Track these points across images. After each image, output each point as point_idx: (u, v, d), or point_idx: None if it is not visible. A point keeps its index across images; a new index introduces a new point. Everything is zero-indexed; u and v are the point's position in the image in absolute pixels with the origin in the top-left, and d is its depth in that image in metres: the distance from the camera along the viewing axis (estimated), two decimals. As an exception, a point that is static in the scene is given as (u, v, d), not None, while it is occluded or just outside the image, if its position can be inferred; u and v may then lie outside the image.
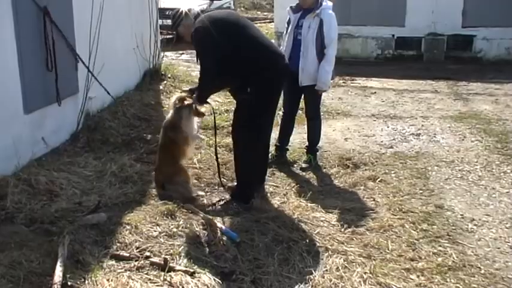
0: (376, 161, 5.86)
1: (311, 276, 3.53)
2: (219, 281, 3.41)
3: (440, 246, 3.97)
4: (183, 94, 4.87)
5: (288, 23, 5.55)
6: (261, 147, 4.89)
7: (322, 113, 7.87)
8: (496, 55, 13.32)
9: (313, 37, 5.31)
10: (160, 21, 9.59)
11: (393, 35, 13.90)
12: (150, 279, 3.32)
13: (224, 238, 3.93)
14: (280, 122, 5.88)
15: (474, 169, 5.64)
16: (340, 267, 3.63)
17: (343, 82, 10.54)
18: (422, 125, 7.42)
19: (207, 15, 4.56)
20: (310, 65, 5.41)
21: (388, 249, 3.89)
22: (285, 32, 5.64)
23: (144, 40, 8.49)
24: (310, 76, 5.44)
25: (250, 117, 4.57)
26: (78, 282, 3.24)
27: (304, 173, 5.58)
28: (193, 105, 4.69)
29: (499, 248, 3.97)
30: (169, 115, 4.81)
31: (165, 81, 8.88)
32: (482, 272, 3.61)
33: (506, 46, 13.31)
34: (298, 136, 5.99)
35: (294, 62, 5.36)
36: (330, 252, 3.85)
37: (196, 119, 4.90)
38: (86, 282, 3.25)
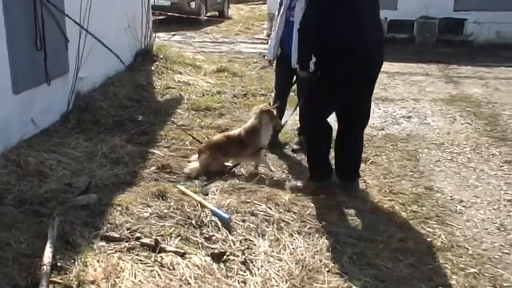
0: (367, 143, 5.85)
1: (302, 257, 3.54)
2: (210, 262, 3.41)
3: (429, 227, 3.99)
4: (266, 106, 5.10)
5: (280, 4, 5.51)
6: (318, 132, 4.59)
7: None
8: (486, 39, 13.35)
9: None
10: (152, 1, 9.51)
11: (386, 18, 13.84)
12: (140, 260, 3.32)
13: (215, 219, 3.93)
14: (273, 99, 5.89)
15: (463, 151, 5.67)
16: (330, 248, 3.64)
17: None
18: (414, 108, 7.44)
19: None
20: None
21: (378, 231, 3.91)
22: (276, 13, 5.60)
23: (135, 20, 8.42)
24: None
25: (308, 99, 4.46)
26: (68, 263, 3.23)
27: (295, 155, 5.59)
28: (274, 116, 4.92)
29: (486, 229, 4.00)
30: (249, 121, 5.02)
31: (156, 62, 8.84)
32: (470, 252, 3.64)
33: (497, 30, 13.33)
34: (290, 118, 5.95)
35: (286, 43, 5.35)
36: (320, 233, 3.85)
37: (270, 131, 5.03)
38: (76, 263, 3.24)
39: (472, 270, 3.42)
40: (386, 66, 10.33)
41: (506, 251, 3.69)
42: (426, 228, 3.98)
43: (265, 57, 6.16)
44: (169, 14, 15.28)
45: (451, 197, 4.58)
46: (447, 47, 12.85)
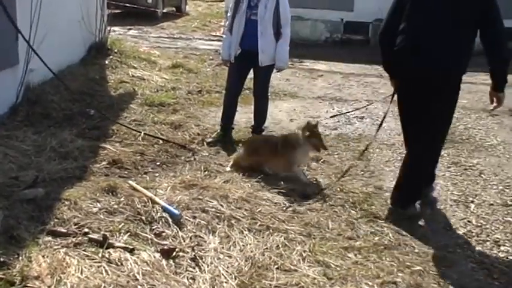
0: (320, 142, 5.93)
1: (251, 254, 3.54)
2: (159, 258, 3.38)
3: (377, 225, 4.07)
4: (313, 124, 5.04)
5: (237, 3, 5.47)
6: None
7: (269, 94, 7.95)
8: (439, 43, 13.68)
9: (270, 17, 5.34)
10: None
11: (342, 19, 14.08)
12: (87, 255, 3.25)
13: (166, 215, 3.90)
14: (223, 101, 5.86)
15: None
16: (280, 245, 3.66)
17: (291, 64, 10.53)
18: (366, 109, 7.55)
19: None
20: (270, 45, 5.47)
21: (328, 228, 3.95)
22: (230, 12, 5.56)
23: (90, 13, 8.25)
24: (270, 56, 5.51)
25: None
26: (12, 259, 3.13)
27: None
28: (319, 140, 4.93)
29: (432, 229, 4.11)
30: (296, 136, 4.95)
31: (111, 56, 8.69)
32: (416, 251, 3.73)
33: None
34: (244, 116, 5.99)
35: (248, 42, 5.38)
36: (271, 230, 3.87)
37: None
38: (20, 258, 3.14)
39: (418, 268, 3.49)
40: (341, 66, 10.70)
41: (451, 250, 3.80)
42: (375, 226, 4.05)
43: (220, 58, 6.08)
44: (127, 5, 14.97)
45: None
46: (401, 50, 13.09)
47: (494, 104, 4.06)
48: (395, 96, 4.36)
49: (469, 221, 4.24)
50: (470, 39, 3.92)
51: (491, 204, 4.57)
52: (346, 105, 7.75)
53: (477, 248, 3.84)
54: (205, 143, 5.66)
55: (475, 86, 9.49)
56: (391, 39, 4.09)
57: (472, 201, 4.63)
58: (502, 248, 3.85)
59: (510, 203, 4.62)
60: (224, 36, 5.72)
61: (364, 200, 4.49)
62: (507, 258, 3.71)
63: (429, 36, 3.90)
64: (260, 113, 5.83)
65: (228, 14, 5.63)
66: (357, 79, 9.65)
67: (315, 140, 4.92)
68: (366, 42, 13.84)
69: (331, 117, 5.36)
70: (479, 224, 4.19)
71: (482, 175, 5.26)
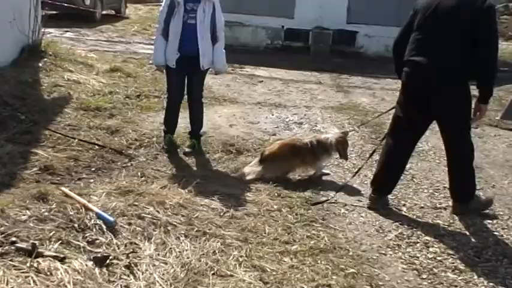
0: (259, 148, 5.96)
1: (188, 260, 3.51)
2: (92, 267, 3.29)
3: (314, 229, 4.12)
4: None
5: (171, 6, 5.34)
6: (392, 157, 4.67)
7: (209, 99, 7.95)
8: (376, 51, 14.06)
9: (208, 21, 5.34)
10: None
11: (283, 26, 14.22)
12: (14, 266, 3.12)
13: (100, 222, 3.80)
14: (167, 108, 5.79)
15: (349, 157, 5.90)
16: (216, 251, 3.65)
17: (232, 70, 10.60)
18: (305, 114, 7.67)
19: None
20: (209, 49, 5.48)
21: (265, 233, 3.97)
22: (162, 16, 5.41)
23: (22, 13, 7.97)
24: (210, 60, 5.52)
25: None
26: None
27: (187, 158, 5.56)
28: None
29: (366, 231, 4.20)
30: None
31: (45, 59, 8.40)
32: (350, 253, 3.80)
33: (385, 43, 14.07)
34: (183, 121, 5.93)
35: (186, 46, 5.33)
36: (207, 236, 3.85)
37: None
38: None
39: (351, 270, 3.56)
40: (281, 73, 10.79)
41: (383, 252, 3.89)
42: (311, 230, 4.11)
43: (155, 65, 5.90)
44: (64, 5, 14.51)
45: (335, 200, 4.75)
46: (340, 58, 13.38)
47: (478, 115, 4.35)
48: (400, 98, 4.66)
49: (401, 224, 4.35)
50: (470, 52, 4.16)
51: (422, 207, 4.72)
52: (286, 111, 7.82)
53: (408, 250, 3.95)
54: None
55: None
56: (402, 50, 4.47)
57: (404, 205, 4.77)
58: (431, 249, 3.97)
59: (439, 206, 4.79)
60: (156, 40, 5.55)
61: (301, 205, 4.54)
62: (435, 258, 3.84)
63: (430, 50, 4.24)
64: (198, 119, 5.80)
65: (160, 18, 5.47)
66: (296, 85, 9.77)
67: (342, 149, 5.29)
68: (306, 49, 14.04)
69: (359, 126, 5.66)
70: (410, 227, 4.31)
71: (414, 179, 5.43)
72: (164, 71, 5.62)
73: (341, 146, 5.25)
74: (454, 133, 4.42)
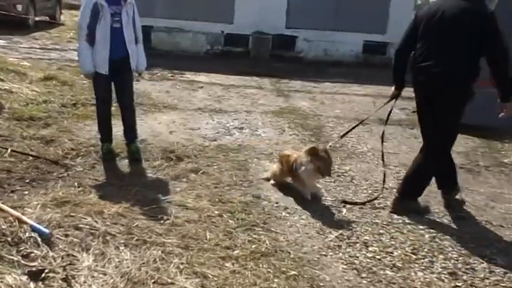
0: (200, 154, 5.94)
1: (127, 270, 3.45)
2: (26, 281, 3.19)
3: (255, 234, 4.13)
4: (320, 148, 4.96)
5: (95, 11, 5.14)
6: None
7: (148, 106, 7.86)
8: (315, 55, 14.33)
9: (131, 23, 5.34)
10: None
11: (222, 31, 14.26)
12: None
13: (35, 235, 3.68)
14: (100, 116, 5.66)
15: (290, 161, 5.97)
16: (157, 259, 3.60)
17: (172, 76, 10.53)
18: (246, 119, 7.70)
19: None
20: (135, 50, 5.44)
21: (206, 239, 3.95)
22: (85, 22, 5.17)
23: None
24: (136, 61, 5.49)
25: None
26: None
27: (127, 166, 5.46)
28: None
29: (307, 233, 4.24)
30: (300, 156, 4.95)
31: (-27, 68, 8.09)
32: (292, 256, 3.83)
33: (324, 48, 14.38)
34: (120, 128, 5.82)
35: (115, 50, 5.23)
36: (148, 244, 3.80)
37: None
38: None
39: (293, 272, 3.59)
40: (222, 78, 10.80)
41: (324, 253, 3.94)
42: (252, 235, 4.11)
43: (84, 74, 5.55)
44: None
45: (277, 204, 4.78)
46: (280, 62, 13.53)
47: (503, 113, 4.45)
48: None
49: (341, 225, 4.43)
50: (474, 55, 4.41)
51: (361, 208, 4.81)
52: (226, 116, 7.82)
53: (348, 250, 4.01)
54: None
55: (347, 97, 10.08)
56: (405, 56, 4.77)
57: (344, 206, 4.85)
58: (370, 248, 4.06)
59: (378, 206, 4.90)
60: (81, 48, 5.28)
61: (242, 210, 4.54)
62: (375, 257, 3.92)
63: (437, 54, 4.48)
64: (133, 126, 5.72)
65: (83, 24, 5.21)
66: (236, 90, 9.79)
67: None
68: (246, 54, 14.12)
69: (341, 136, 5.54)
70: (350, 227, 4.39)
71: (354, 180, 5.54)
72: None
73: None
74: (440, 132, 4.61)
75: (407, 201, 4.77)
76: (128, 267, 3.47)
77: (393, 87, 5.02)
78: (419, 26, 4.63)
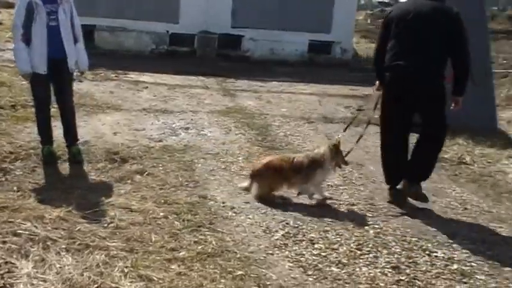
0: (145, 155, 5.85)
1: (69, 276, 3.35)
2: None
3: (201, 234, 4.09)
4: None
5: (30, 10, 5.00)
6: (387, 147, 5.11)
7: (91, 107, 7.68)
8: (261, 55, 14.37)
9: (68, 22, 5.21)
10: None
11: (168, 31, 14.10)
12: None
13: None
14: (39, 117, 5.48)
15: (237, 160, 5.97)
16: (100, 264, 3.51)
17: (116, 76, 10.34)
18: (192, 119, 7.63)
19: None
20: (73, 49, 5.31)
21: (151, 242, 3.89)
22: (20, 21, 5.01)
23: None
24: (74, 61, 5.34)
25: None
26: None
27: (68, 169, 5.32)
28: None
29: (254, 233, 4.23)
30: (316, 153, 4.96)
31: None
32: (238, 256, 3.81)
33: (270, 47, 14.45)
34: (61, 130, 5.66)
35: (52, 49, 5.08)
36: (91, 248, 3.70)
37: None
38: None
39: (239, 272, 3.58)
40: (167, 78, 10.67)
41: (270, 252, 3.94)
42: (198, 235, 4.07)
43: (21, 74, 5.35)
44: None
45: (223, 204, 4.76)
46: (226, 62, 13.51)
47: (454, 106, 4.84)
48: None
49: (287, 223, 4.44)
50: (444, 54, 4.70)
51: (307, 206, 4.85)
52: (172, 116, 7.74)
53: (294, 248, 4.03)
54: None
55: (294, 96, 10.15)
56: (382, 56, 4.90)
57: (290, 204, 4.88)
58: (316, 245, 4.09)
59: (323, 203, 4.95)
60: (17, 47, 5.12)
61: (188, 210, 4.50)
62: (320, 254, 3.95)
63: (409, 54, 4.70)
64: (73, 127, 5.57)
65: (18, 23, 5.04)
66: (182, 90, 9.71)
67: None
68: (192, 54, 14.02)
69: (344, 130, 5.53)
70: (296, 225, 4.41)
71: (300, 178, 5.57)
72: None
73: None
74: (436, 123, 4.86)
75: (419, 185, 5.00)
76: (69, 273, 3.38)
77: (377, 83, 5.16)
78: (391, 26, 4.82)
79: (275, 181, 4.90)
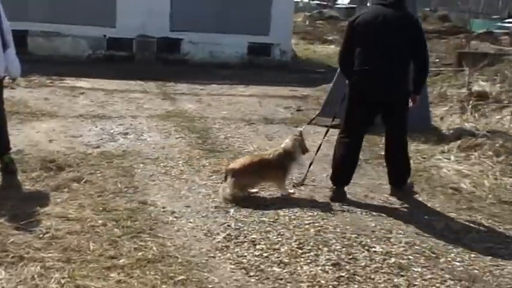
0: (82, 162, 5.71)
1: (2, 290, 3.24)
2: None
3: (141, 241, 4.03)
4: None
5: None
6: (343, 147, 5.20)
7: (25, 115, 7.44)
8: (201, 58, 14.31)
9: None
10: None
11: (105, 35, 13.83)
12: None
13: None
14: None
15: (177, 164, 5.91)
16: (35, 276, 3.40)
17: (51, 82, 10.07)
18: (131, 124, 7.52)
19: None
20: (2, 55, 5.09)
21: (89, 250, 3.80)
22: None
23: None
24: (4, 67, 5.12)
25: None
26: None
27: (1, 179, 5.13)
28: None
29: (195, 237, 4.20)
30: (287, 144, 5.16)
31: None
32: (180, 260, 3.77)
33: (210, 50, 14.41)
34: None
35: None
36: (25, 261, 3.58)
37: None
38: None
39: (181, 277, 3.54)
40: (104, 83, 10.48)
41: (212, 255, 3.93)
42: (138, 242, 4.01)
43: None
44: None
45: (163, 209, 4.70)
46: (165, 65, 13.37)
47: (412, 103, 5.16)
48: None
49: (228, 225, 4.44)
50: (408, 58, 4.97)
51: (248, 207, 4.85)
52: (110, 122, 7.59)
53: (236, 250, 4.02)
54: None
55: (234, 98, 10.17)
56: (348, 60, 5.07)
57: (232, 206, 4.87)
58: (257, 246, 4.10)
59: (264, 203, 4.98)
60: None
61: (128, 217, 4.41)
62: (262, 255, 3.96)
63: (375, 59, 4.91)
64: (5, 136, 5.37)
65: None
66: (121, 95, 9.54)
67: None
68: (131, 58, 13.81)
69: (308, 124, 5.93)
70: (237, 227, 4.41)
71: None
72: None
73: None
74: (399, 128, 5.17)
75: (404, 185, 5.38)
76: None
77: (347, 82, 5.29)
78: (357, 33, 4.98)
79: (252, 179, 5.09)
